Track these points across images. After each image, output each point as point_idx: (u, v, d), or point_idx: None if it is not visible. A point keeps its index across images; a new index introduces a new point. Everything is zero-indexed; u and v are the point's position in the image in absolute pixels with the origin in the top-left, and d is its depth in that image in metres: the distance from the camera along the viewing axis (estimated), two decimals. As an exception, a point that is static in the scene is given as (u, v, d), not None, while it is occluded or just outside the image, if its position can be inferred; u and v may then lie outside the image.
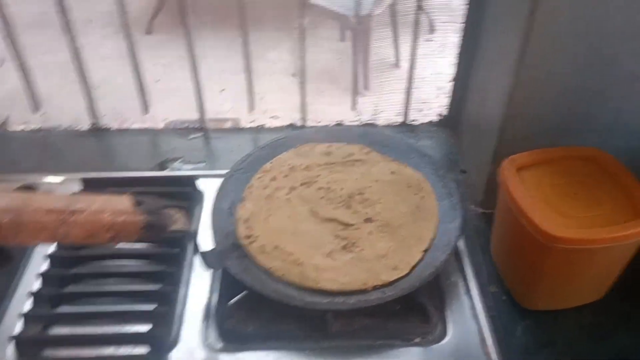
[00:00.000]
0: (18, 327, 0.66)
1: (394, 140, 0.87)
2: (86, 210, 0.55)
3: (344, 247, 0.72)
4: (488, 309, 0.71)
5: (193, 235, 0.67)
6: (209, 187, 0.83)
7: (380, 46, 1.20)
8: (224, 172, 0.82)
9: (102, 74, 1.08)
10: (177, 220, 0.62)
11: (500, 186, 0.81)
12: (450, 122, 1.15)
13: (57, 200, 0.54)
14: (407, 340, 0.67)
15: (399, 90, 1.12)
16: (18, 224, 0.51)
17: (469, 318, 0.69)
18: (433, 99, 1.13)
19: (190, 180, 0.84)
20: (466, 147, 1.09)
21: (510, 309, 0.85)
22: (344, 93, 1.14)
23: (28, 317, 0.66)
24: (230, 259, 0.70)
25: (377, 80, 1.15)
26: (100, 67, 1.07)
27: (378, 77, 1.16)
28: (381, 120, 1.15)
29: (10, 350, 0.64)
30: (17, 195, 0.52)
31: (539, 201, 0.77)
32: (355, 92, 1.12)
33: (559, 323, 0.83)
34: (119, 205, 0.57)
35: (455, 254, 0.77)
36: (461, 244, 0.78)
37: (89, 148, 1.09)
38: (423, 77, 1.09)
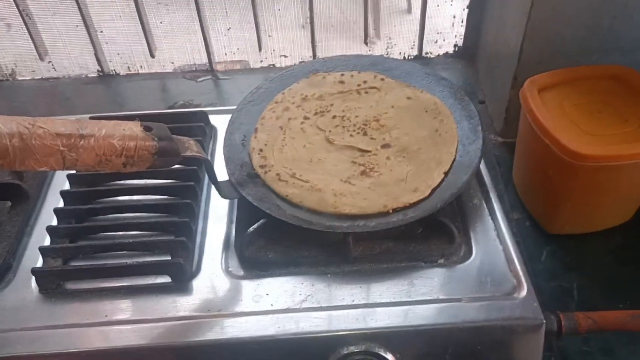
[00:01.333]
0: (39, 261, 0.66)
1: (408, 66, 0.84)
2: (95, 134, 0.53)
3: (362, 173, 0.70)
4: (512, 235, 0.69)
5: (208, 164, 0.65)
6: (221, 122, 0.81)
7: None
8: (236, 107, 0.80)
9: (104, 17, 1.05)
10: (190, 147, 0.61)
11: (522, 108, 0.78)
12: (467, 53, 1.11)
13: (66, 125, 0.52)
14: (430, 261, 0.65)
15: (412, 41, 1.09)
16: (26, 148, 0.50)
17: (493, 239, 0.68)
18: (448, 29, 1.09)
19: (202, 116, 0.83)
20: (483, 77, 1.06)
21: (534, 234, 0.84)
22: (354, 42, 1.10)
23: (47, 251, 0.65)
24: (247, 188, 0.69)
25: (387, 28, 1.10)
26: (102, 10, 1.05)
27: (388, 24, 1.11)
28: (395, 55, 1.11)
29: (32, 283, 0.64)
30: (24, 119, 0.50)
31: (563, 121, 0.75)
32: (367, 27, 1.07)
33: (585, 247, 0.82)
34: (128, 131, 0.55)
35: (478, 177, 0.74)
36: (483, 168, 0.75)
37: (97, 94, 1.08)
38: (437, 4, 1.04)
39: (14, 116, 0.50)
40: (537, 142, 0.75)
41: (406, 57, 1.11)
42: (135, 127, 0.56)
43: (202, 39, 1.06)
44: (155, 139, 0.56)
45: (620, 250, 0.81)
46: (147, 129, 0.57)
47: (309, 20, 1.05)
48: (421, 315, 0.60)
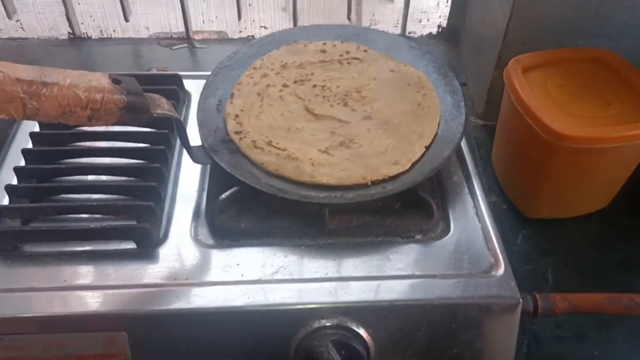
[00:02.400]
0: (-5, 222, 0.62)
1: (392, 39, 0.82)
2: (59, 83, 0.50)
3: (341, 144, 0.68)
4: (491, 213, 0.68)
5: (180, 125, 0.62)
6: (196, 88, 0.78)
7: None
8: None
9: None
10: (161, 105, 0.58)
11: (505, 88, 0.77)
12: (451, 33, 1.10)
13: (28, 71, 0.49)
14: (407, 237, 0.64)
15: (395, 19, 1.06)
16: (-18, 92, 0.46)
17: (472, 217, 0.66)
18: (433, 9, 1.07)
19: (176, 79, 0.79)
20: (466, 58, 1.04)
21: (511, 218, 0.83)
22: (337, 17, 1.08)
23: (5, 211, 0.62)
24: (220, 154, 0.66)
25: (372, 5, 1.08)
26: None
27: (372, 5, 1.09)
28: (377, 32, 1.09)
29: (-13, 245, 0.60)
30: (-18, 62, 0.47)
31: (546, 101, 0.74)
32: (350, 5, 1.05)
33: (561, 232, 0.81)
34: (95, 82, 0.52)
35: (459, 154, 0.73)
36: (465, 146, 0.74)
37: (67, 58, 1.03)
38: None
39: (-31, 58, 0.47)
40: (519, 122, 0.73)
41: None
42: (102, 79, 0.53)
43: (180, 4, 1.02)
44: (124, 92, 0.53)
45: (596, 236, 0.81)
46: (115, 81, 0.53)
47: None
48: (396, 290, 0.58)
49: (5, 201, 0.64)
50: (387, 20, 1.09)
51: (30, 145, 0.69)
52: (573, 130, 0.69)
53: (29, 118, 0.50)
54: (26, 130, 0.71)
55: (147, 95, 0.56)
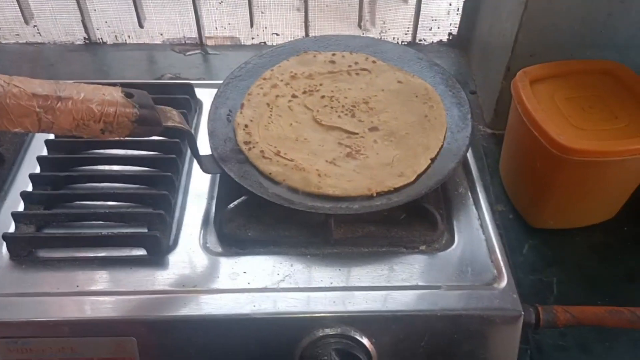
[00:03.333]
0: (11, 227, 0.64)
1: (401, 50, 0.83)
2: (74, 97, 0.51)
3: (348, 155, 0.69)
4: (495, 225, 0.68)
5: (190, 137, 0.63)
6: (207, 96, 0.79)
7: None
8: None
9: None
10: (172, 117, 0.59)
11: (512, 99, 0.78)
12: (461, 42, 1.10)
13: (43, 85, 0.50)
14: (412, 247, 0.65)
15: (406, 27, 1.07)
16: (0, 107, 0.48)
17: (476, 228, 0.67)
18: (444, 17, 1.08)
19: (188, 88, 0.81)
20: (476, 67, 1.05)
21: (517, 227, 0.83)
22: (348, 25, 1.08)
23: (20, 217, 0.63)
24: (229, 164, 0.67)
25: (382, 13, 1.09)
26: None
27: (384, 9, 1.10)
28: (389, 39, 1.10)
29: (3, 249, 0.62)
30: (0, 77, 0.48)
31: (553, 114, 0.74)
32: (361, 9, 1.06)
33: (567, 242, 0.82)
34: (108, 96, 0.53)
35: (464, 165, 0.74)
36: (470, 157, 0.75)
37: (82, 62, 1.05)
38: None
39: (-12, 74, 0.48)
40: (526, 134, 0.74)
41: (399, 43, 1.09)
42: (115, 93, 0.54)
43: (193, 11, 1.04)
44: (136, 106, 0.55)
45: (602, 247, 0.81)
46: (128, 95, 0.55)
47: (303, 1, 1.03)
48: (399, 301, 0.59)
49: (21, 207, 0.66)
50: (398, 28, 1.09)
51: (45, 153, 0.71)
52: (579, 144, 0.70)
53: (44, 131, 0.51)
54: (42, 138, 0.73)
55: (159, 107, 0.58)
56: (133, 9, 1.04)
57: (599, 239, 0.82)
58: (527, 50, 0.84)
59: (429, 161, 0.69)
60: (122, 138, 0.56)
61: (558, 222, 0.81)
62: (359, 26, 1.08)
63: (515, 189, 0.85)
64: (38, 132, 0.51)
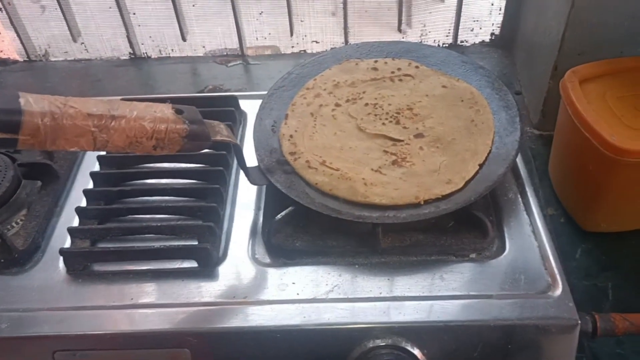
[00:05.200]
0: (67, 242, 0.66)
1: (444, 54, 0.82)
2: (127, 116, 0.53)
3: (394, 163, 0.69)
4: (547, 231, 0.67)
5: (237, 149, 0.64)
6: (251, 108, 0.80)
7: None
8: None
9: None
10: (220, 131, 0.60)
11: (562, 100, 0.76)
12: (504, 42, 1.08)
13: (97, 105, 0.52)
14: (461, 256, 0.64)
15: (447, 29, 1.06)
16: (57, 128, 0.49)
17: (528, 235, 0.65)
18: (486, 17, 1.06)
19: (232, 100, 0.82)
20: (521, 67, 1.03)
21: (569, 231, 0.81)
22: (387, 29, 1.08)
23: (75, 232, 0.65)
24: (275, 175, 0.68)
25: (422, 15, 1.08)
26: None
27: (423, 11, 1.09)
28: (429, 42, 1.09)
29: (60, 264, 0.64)
30: (56, 98, 0.50)
31: (605, 114, 0.72)
32: (401, 13, 1.05)
33: (621, 246, 0.79)
34: (160, 113, 0.55)
35: (514, 170, 0.72)
36: (520, 161, 0.73)
37: (128, 77, 1.08)
38: (475, -11, 1.01)
39: (46, 95, 0.50)
40: (576, 136, 0.72)
41: (441, 45, 1.08)
42: (166, 110, 0.55)
43: (234, 23, 1.05)
44: (186, 122, 0.56)
45: (658, 250, 0.78)
46: (178, 111, 0.56)
47: (342, 6, 1.03)
48: (450, 311, 0.59)
49: (76, 222, 0.68)
50: (439, 30, 1.08)
51: (97, 168, 0.74)
52: (633, 145, 0.67)
53: (99, 149, 0.53)
54: (94, 154, 0.75)
55: (207, 122, 0.59)
56: (176, 23, 1.06)
57: (655, 241, 0.79)
58: (575, 48, 0.82)
59: (477, 167, 0.68)
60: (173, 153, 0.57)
61: (611, 225, 0.78)
62: (399, 30, 1.07)
63: (566, 192, 0.83)
64: (93, 150, 0.53)
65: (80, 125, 0.50)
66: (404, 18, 1.08)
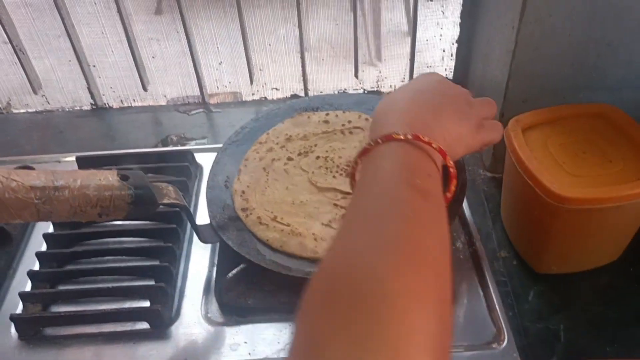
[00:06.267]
0: (19, 307, 0.66)
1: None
2: (70, 186, 0.54)
3: (344, 216, 0.70)
4: (498, 273, 0.68)
5: (186, 211, 0.65)
6: (208, 160, 0.81)
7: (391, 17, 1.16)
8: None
9: (96, 52, 1.07)
10: (168, 194, 0.61)
11: (506, 148, 0.78)
12: (457, 86, 1.11)
13: (39, 177, 0.53)
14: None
15: (402, 75, 1.09)
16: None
17: (475, 285, 0.67)
18: (438, 63, 1.09)
19: (188, 155, 0.83)
20: (473, 111, 1.06)
21: (521, 273, 0.82)
22: (345, 74, 1.11)
23: (27, 297, 0.66)
24: (227, 232, 0.69)
25: (389, 50, 1.11)
26: (94, 45, 1.06)
27: (390, 46, 1.12)
28: (385, 88, 1.12)
29: (12, 329, 0.64)
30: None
31: (547, 161, 0.74)
32: (357, 60, 1.08)
33: (572, 287, 0.81)
34: (104, 180, 0.56)
35: (461, 218, 0.74)
36: (467, 208, 0.75)
37: (90, 128, 1.08)
38: (427, 40, 1.05)
39: (-13, 171, 0.51)
40: (521, 182, 0.74)
41: (396, 90, 1.11)
42: (111, 177, 0.56)
43: (194, 73, 1.07)
44: (132, 188, 0.57)
45: (608, 290, 0.80)
46: (123, 177, 0.57)
47: (299, 55, 1.05)
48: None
49: (28, 286, 0.68)
50: (394, 76, 1.11)
51: (51, 230, 0.74)
52: (573, 192, 0.69)
53: (42, 220, 0.54)
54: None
55: (155, 185, 0.60)
56: (136, 73, 1.07)
57: (604, 281, 0.81)
58: (519, 96, 0.85)
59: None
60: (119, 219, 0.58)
61: (561, 267, 0.80)
62: (356, 76, 1.10)
63: (516, 235, 0.85)
64: (37, 221, 0.54)
65: (22, 198, 0.51)
66: (362, 65, 1.11)
